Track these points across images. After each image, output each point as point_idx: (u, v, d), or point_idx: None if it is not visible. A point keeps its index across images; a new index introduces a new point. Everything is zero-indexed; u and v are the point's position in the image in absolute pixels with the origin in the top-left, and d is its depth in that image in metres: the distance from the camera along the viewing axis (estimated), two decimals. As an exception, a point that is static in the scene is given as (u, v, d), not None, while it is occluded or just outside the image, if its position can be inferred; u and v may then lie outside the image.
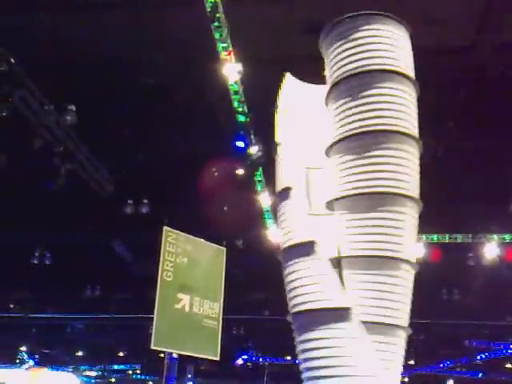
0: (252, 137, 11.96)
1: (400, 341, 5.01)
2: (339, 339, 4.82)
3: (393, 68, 5.33)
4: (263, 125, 11.59)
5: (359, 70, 5.33)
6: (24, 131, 10.58)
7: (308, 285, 5.21)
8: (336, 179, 5.37)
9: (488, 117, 11.71)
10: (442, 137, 12.18)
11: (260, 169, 13.65)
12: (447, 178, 13.16)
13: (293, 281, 5.42)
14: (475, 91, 10.87)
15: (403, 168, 5.21)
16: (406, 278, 5.09)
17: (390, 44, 5.38)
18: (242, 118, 11.11)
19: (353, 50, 5.40)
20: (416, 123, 5.54)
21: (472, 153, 12.94)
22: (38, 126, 10.24)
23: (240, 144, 12.28)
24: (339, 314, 4.89)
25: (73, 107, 11.01)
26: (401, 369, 5.00)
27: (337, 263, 5.17)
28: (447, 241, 16.10)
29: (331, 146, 5.45)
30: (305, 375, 5.10)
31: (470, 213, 14.47)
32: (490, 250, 16.00)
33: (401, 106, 5.32)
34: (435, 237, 16.10)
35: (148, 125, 12.50)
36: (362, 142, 5.20)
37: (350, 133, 5.29)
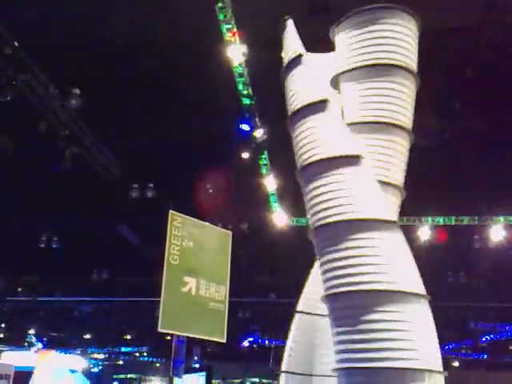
0: (257, 120, 11.90)
1: (403, 141, 5.33)
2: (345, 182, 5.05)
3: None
4: (268, 108, 11.59)
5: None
6: (29, 115, 10.58)
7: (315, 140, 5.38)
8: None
9: (497, 98, 11.62)
10: (450, 119, 12.10)
11: (265, 152, 13.62)
12: (454, 160, 13.10)
13: (303, 138, 5.52)
14: (484, 71, 10.77)
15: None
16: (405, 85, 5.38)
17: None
18: (246, 101, 11.05)
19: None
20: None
21: (480, 135, 12.86)
22: (43, 110, 10.22)
23: (245, 127, 12.23)
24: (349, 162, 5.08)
25: (77, 91, 10.98)
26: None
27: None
28: (453, 223, 16.09)
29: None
30: (313, 218, 5.32)
31: (476, 195, 14.42)
32: (496, 232, 15.98)
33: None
34: (441, 219, 16.09)
35: (153, 109, 12.48)
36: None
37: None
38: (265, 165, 14.08)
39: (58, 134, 11.25)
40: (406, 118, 5.45)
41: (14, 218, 16.94)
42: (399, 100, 5.38)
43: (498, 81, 11.00)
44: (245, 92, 10.78)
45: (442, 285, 19.78)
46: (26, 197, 15.73)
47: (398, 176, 5.37)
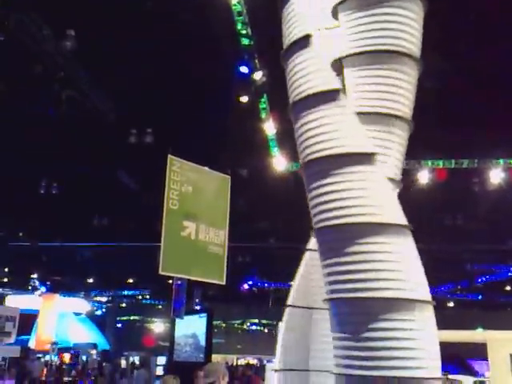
0: (256, 61, 11.63)
1: (403, 133, 5.07)
2: (358, 182, 4.79)
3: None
4: (268, 49, 11.30)
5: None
6: (23, 57, 10.33)
7: (328, 132, 4.98)
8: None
9: (500, 38, 11.33)
10: (452, 58, 11.83)
11: (264, 95, 13.40)
12: (454, 101, 12.92)
13: (309, 130, 5.13)
14: (487, 10, 10.46)
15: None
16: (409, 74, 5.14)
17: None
18: (245, 41, 10.75)
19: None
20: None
21: (481, 76, 12.63)
22: (37, 52, 9.96)
23: (244, 69, 11.97)
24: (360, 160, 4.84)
25: (72, 32, 10.67)
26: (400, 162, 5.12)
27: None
28: (453, 166, 16.05)
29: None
30: (316, 218, 5.11)
31: (476, 138, 14.30)
32: (496, 174, 15.96)
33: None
34: (441, 162, 16.04)
35: (150, 50, 12.17)
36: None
37: None
38: (264, 109, 13.88)
39: (54, 77, 10.99)
40: (406, 107, 5.18)
41: (14, 164, 16.90)
42: (400, 89, 5.12)
43: (498, 21, 10.71)
44: (244, 32, 10.47)
45: (439, 227, 19.98)
46: (24, 143, 15.63)
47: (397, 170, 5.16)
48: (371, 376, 4.50)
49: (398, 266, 4.65)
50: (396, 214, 4.83)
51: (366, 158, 4.86)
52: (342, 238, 4.84)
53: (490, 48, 11.73)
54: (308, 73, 5.22)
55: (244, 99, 13.34)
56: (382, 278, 4.61)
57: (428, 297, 4.74)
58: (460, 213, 19.60)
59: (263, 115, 14.20)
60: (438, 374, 4.65)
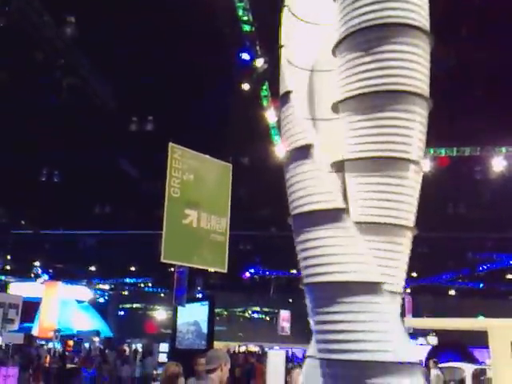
0: (257, 48, 11.54)
1: (406, 241, 4.81)
2: (335, 238, 4.66)
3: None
4: (269, 35, 11.21)
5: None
6: (23, 44, 10.27)
7: (306, 188, 4.95)
8: (340, 80, 4.99)
9: (503, 28, 11.24)
10: (454, 47, 11.75)
11: (266, 83, 13.32)
12: (457, 90, 12.85)
13: (292, 184, 5.14)
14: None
15: (412, 64, 4.77)
16: (413, 179, 4.83)
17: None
18: (246, 28, 10.66)
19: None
20: (427, 16, 5.04)
21: (483, 64, 12.54)
22: (38, 39, 9.90)
23: (245, 56, 11.89)
24: (335, 216, 4.68)
25: (72, 19, 10.60)
26: (404, 271, 4.92)
27: (341, 167, 4.93)
28: (455, 154, 16.00)
29: (337, 44, 5.06)
30: (303, 273, 5.09)
31: (479, 126, 14.24)
32: (498, 162, 15.91)
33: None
34: (443, 150, 15.99)
35: (150, 37, 12.09)
36: (369, 36, 4.77)
37: (356, 28, 4.85)
38: (265, 96, 13.81)
39: (54, 64, 10.94)
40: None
41: (15, 152, 16.90)
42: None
43: (503, 9, 10.61)
44: (245, 18, 10.37)
45: (441, 216, 19.97)
46: (26, 131, 15.61)
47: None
48: (341, 360, 4.55)
49: (348, 250, 4.66)
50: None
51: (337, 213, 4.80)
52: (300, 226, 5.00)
53: (493, 35, 11.64)
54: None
55: (245, 87, 13.26)
56: (342, 262, 4.64)
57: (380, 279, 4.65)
58: (462, 201, 19.58)
59: (265, 103, 14.13)
60: (409, 358, 4.55)
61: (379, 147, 4.71)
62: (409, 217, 4.80)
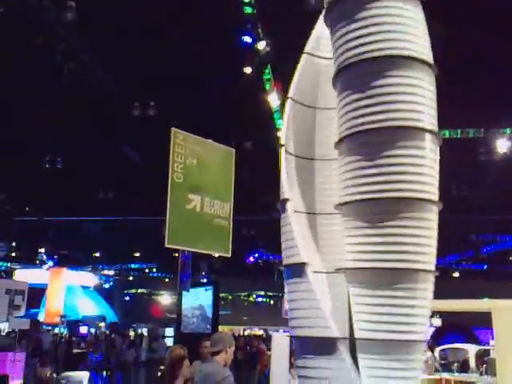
0: (260, 31, 11.43)
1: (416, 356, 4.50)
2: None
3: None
4: (272, 17, 11.11)
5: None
6: (23, 29, 10.21)
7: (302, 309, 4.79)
8: (340, 182, 4.84)
9: (507, 8, 11.11)
10: (457, 27, 11.63)
11: (268, 66, 13.22)
12: (460, 71, 12.74)
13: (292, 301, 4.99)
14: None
15: (419, 168, 4.71)
16: (427, 290, 4.68)
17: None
18: (248, 10, 10.55)
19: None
20: (435, 117, 4.94)
21: (487, 45, 12.43)
22: (38, 24, 9.84)
23: (247, 39, 11.78)
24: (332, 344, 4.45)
25: (72, 3, 10.52)
26: None
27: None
28: (459, 136, 15.91)
29: (337, 143, 4.88)
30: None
31: (483, 107, 14.14)
32: (502, 144, 15.84)
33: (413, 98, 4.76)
34: (447, 132, 15.89)
35: (151, 21, 12.00)
36: (369, 139, 4.62)
37: (356, 130, 4.68)
38: (268, 80, 13.72)
39: (55, 50, 10.88)
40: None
41: (18, 138, 16.90)
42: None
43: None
44: (246, 0, 10.26)
45: (444, 197, 19.93)
46: (28, 117, 15.59)
47: None
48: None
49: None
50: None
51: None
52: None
53: (493, 18, 11.52)
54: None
55: (247, 70, 13.17)
56: None
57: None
58: (465, 183, 19.53)
59: (267, 86, 14.04)
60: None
61: (381, 187, 4.59)
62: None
